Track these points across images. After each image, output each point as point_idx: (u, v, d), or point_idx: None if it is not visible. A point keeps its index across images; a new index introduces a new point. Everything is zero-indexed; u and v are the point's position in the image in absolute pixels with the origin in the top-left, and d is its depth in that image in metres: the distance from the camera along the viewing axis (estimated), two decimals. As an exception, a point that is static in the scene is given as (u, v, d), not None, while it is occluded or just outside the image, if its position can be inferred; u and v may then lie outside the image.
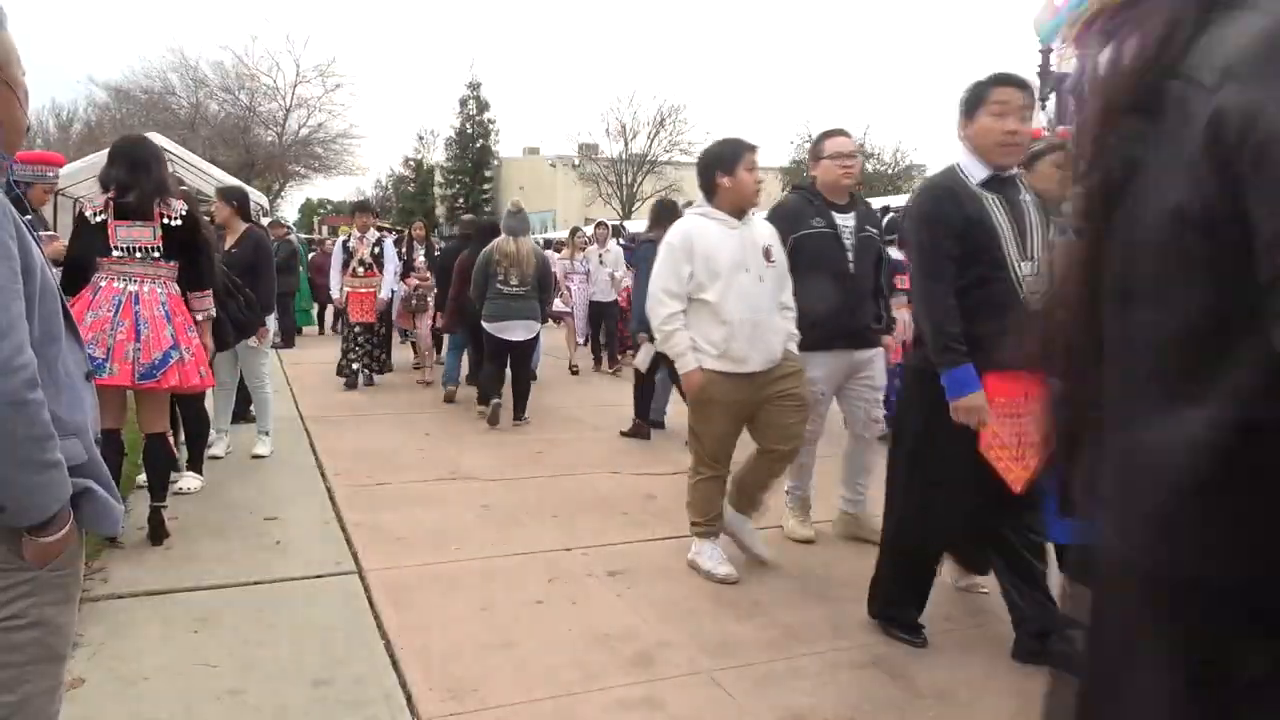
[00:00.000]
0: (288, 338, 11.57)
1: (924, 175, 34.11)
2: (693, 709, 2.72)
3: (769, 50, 78.41)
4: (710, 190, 3.74)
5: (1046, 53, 9.39)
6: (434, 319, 9.02)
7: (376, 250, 8.56)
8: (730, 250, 3.61)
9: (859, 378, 4.17)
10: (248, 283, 5.34)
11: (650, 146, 36.21)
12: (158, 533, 4.06)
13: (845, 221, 4.02)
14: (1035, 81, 9.15)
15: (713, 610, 3.43)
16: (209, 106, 30.32)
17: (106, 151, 4.34)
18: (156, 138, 12.85)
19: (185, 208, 4.17)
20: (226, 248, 5.68)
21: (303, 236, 20.03)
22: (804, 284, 3.83)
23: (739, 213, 3.71)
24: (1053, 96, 9.32)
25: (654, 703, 2.75)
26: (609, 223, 12.13)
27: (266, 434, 5.85)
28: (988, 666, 3.01)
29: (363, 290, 8.49)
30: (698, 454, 3.82)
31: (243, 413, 6.34)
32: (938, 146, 75.26)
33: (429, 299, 9.16)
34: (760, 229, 3.77)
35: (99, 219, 3.96)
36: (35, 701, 1.47)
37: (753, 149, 3.74)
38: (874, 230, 4.16)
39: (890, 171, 33.41)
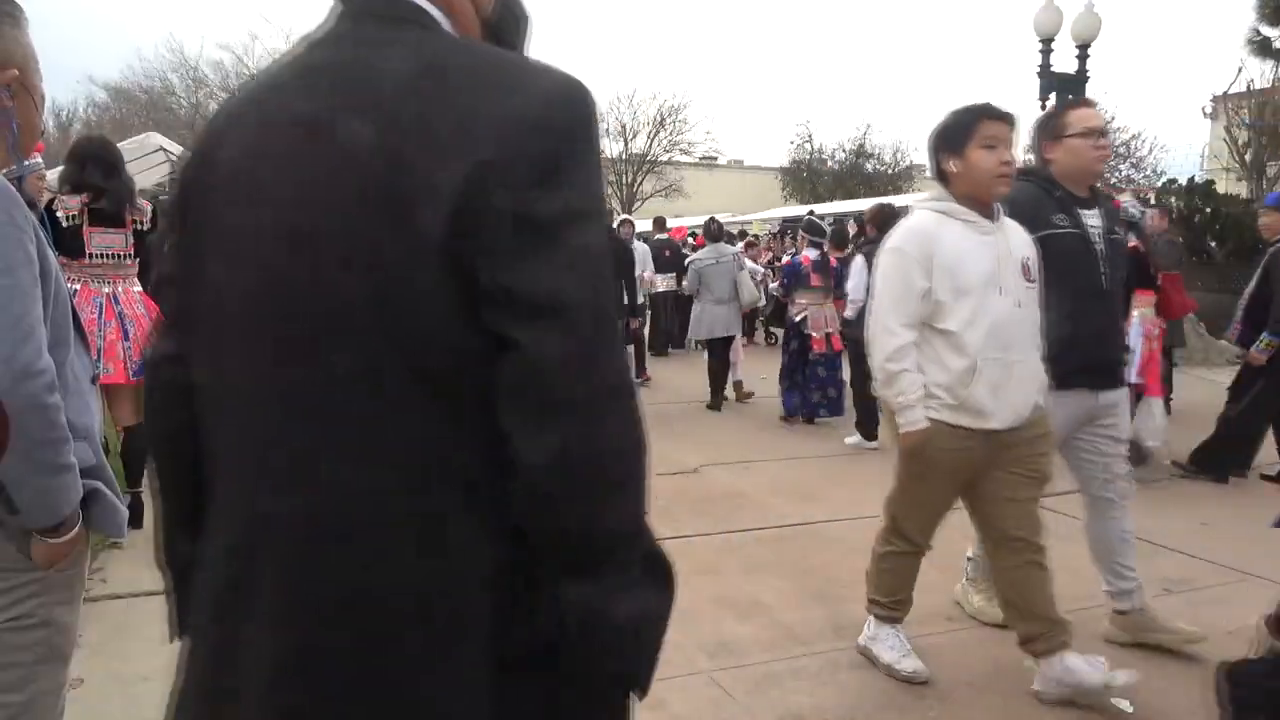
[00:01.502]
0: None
1: (924, 176, 34.29)
2: (693, 709, 2.72)
3: (769, 50, 78.47)
4: (941, 180, 2.84)
5: (1046, 52, 9.37)
6: None
7: None
8: (982, 262, 2.70)
9: (1099, 425, 3.13)
10: None
11: (650, 146, 36.19)
12: (138, 517, 4.12)
13: (1092, 220, 3.06)
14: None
15: (713, 610, 3.43)
16: (209, 106, 30.29)
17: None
18: (157, 138, 12.88)
19: (151, 209, 4.22)
20: None
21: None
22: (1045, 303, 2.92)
23: (986, 210, 2.76)
24: (1053, 96, 9.32)
25: (654, 703, 2.74)
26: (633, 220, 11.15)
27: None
28: (988, 666, 3.01)
29: None
30: (895, 519, 2.96)
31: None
32: (938, 146, 75.21)
33: None
34: (1016, 235, 2.82)
35: (73, 223, 3.95)
36: (42, 701, 1.48)
37: (996, 116, 2.75)
38: (1122, 232, 3.25)
39: (890, 171, 33.34)
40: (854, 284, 6.32)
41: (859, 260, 6.38)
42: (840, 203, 23.61)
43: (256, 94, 0.99)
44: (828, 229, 7.99)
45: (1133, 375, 5.25)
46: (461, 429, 0.86)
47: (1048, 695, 2.78)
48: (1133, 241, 5.31)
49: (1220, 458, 5.48)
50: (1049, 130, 3.13)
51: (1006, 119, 2.76)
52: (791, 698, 2.79)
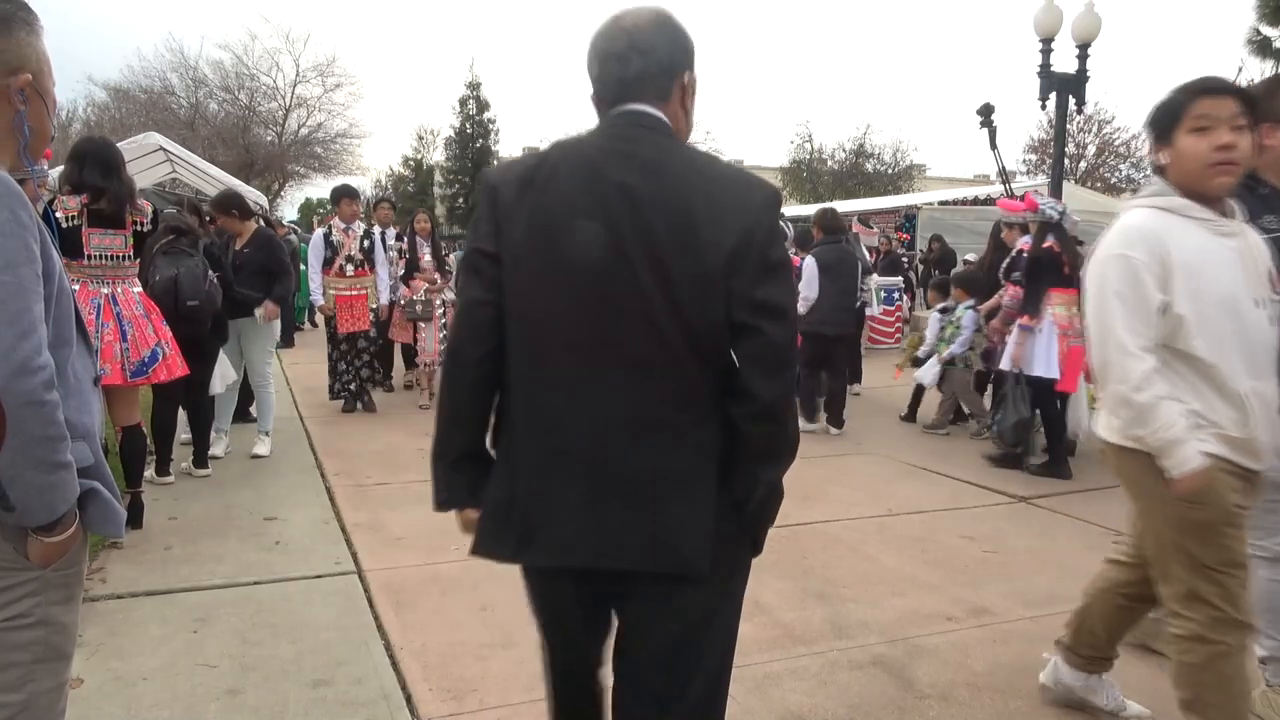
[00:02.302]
0: (287, 337, 11.57)
1: (924, 176, 34.26)
2: (693, 709, 2.71)
3: (769, 50, 78.39)
4: (1159, 176, 2.29)
5: (1047, 52, 9.36)
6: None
7: (366, 244, 7.23)
8: (1229, 269, 2.16)
9: None
10: (259, 283, 5.47)
11: (650, 146, 36.14)
12: (137, 517, 4.21)
13: None
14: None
15: (713, 610, 3.42)
16: (208, 106, 30.25)
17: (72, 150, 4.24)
18: (157, 138, 12.85)
19: (152, 209, 4.22)
20: (237, 248, 5.72)
21: (306, 235, 20.00)
22: None
23: (1218, 207, 2.21)
24: (1053, 96, 9.31)
25: (654, 703, 2.74)
26: None
27: (267, 434, 5.85)
28: (988, 666, 3.01)
29: (353, 293, 7.12)
30: (1200, 600, 2.17)
31: (243, 413, 6.34)
32: (938, 146, 75.43)
33: (436, 304, 7.62)
34: (1255, 237, 2.28)
35: (73, 223, 3.95)
36: (41, 700, 1.48)
37: (1212, 91, 2.16)
38: None
39: (890, 171, 33.34)
40: (804, 282, 7.08)
41: (809, 260, 7.15)
42: (840, 203, 23.57)
43: (571, 157, 1.54)
44: (790, 231, 8.14)
45: (1052, 369, 5.53)
46: (710, 372, 1.50)
47: (1049, 695, 2.75)
48: (1048, 242, 5.59)
49: None
50: (1262, 112, 2.43)
51: (1228, 91, 2.17)
52: (791, 698, 2.79)
